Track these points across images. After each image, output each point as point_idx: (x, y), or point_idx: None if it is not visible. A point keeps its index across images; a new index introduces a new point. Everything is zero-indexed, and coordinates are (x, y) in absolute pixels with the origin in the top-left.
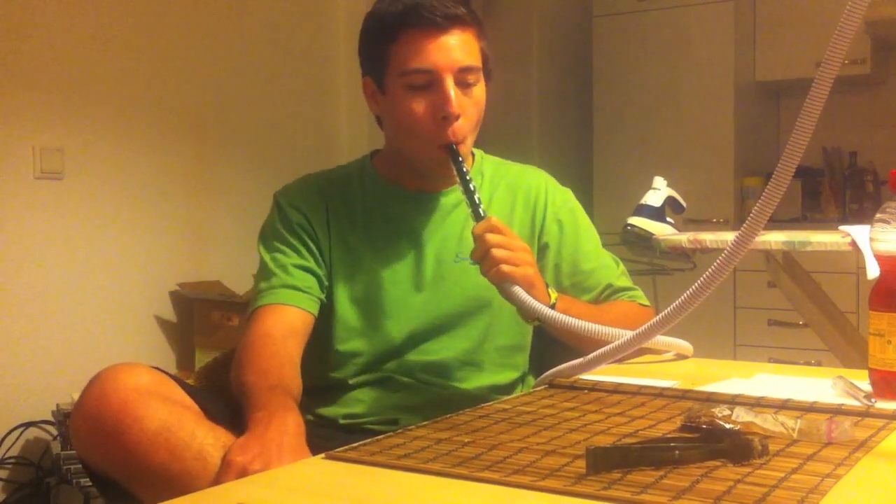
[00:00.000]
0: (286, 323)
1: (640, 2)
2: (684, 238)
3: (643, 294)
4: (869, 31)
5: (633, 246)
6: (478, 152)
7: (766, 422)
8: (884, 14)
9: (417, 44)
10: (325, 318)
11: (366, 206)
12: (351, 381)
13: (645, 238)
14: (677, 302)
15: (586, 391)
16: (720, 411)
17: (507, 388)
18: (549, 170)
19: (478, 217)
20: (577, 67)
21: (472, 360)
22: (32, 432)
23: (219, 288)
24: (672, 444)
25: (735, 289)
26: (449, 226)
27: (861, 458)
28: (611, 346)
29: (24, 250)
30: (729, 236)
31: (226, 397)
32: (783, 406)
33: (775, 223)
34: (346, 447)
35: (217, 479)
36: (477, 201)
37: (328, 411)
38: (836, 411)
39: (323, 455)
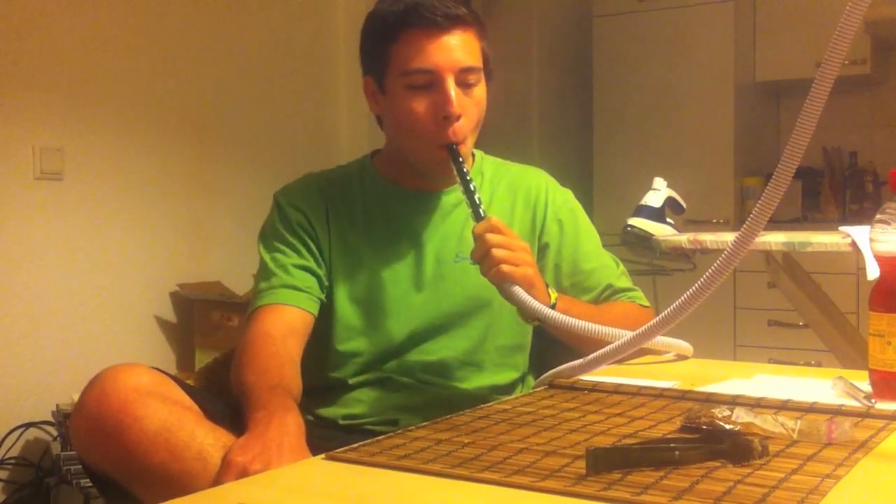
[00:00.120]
0: (286, 323)
1: (640, 2)
2: (684, 239)
3: (643, 295)
4: (869, 31)
5: (633, 246)
6: (478, 152)
7: (766, 422)
8: (884, 14)
9: (418, 44)
10: (325, 317)
11: (366, 206)
12: (351, 381)
13: (645, 239)
14: (677, 302)
15: (586, 392)
16: (720, 412)
17: (507, 388)
18: (549, 170)
19: (478, 217)
20: (577, 67)
21: (472, 360)
22: (32, 433)
23: (219, 288)
24: (672, 445)
25: (735, 289)
26: (449, 225)
27: (861, 458)
28: (611, 346)
29: (24, 250)
30: (729, 237)
31: (226, 397)
32: (783, 407)
33: (775, 223)
34: (346, 447)
35: (217, 479)
36: (477, 201)
37: (328, 412)
38: (836, 412)
39: (323, 455)
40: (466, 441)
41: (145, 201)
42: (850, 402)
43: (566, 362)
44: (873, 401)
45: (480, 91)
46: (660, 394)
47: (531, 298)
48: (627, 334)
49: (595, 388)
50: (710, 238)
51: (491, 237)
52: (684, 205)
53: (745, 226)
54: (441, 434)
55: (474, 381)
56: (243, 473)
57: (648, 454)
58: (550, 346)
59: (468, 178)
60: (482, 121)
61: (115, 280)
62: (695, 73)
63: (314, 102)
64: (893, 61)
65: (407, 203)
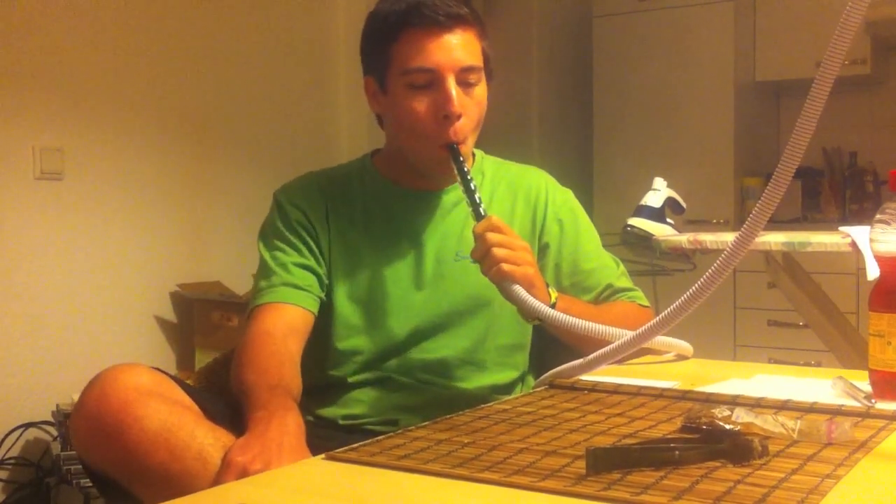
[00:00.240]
0: (286, 321)
1: (641, 2)
2: (684, 239)
3: (643, 295)
4: (869, 31)
5: (633, 246)
6: (478, 152)
7: (766, 422)
8: (884, 14)
9: (419, 43)
10: (325, 316)
11: (366, 205)
12: (350, 380)
13: (645, 239)
14: (677, 302)
15: (586, 392)
16: (720, 412)
17: (507, 388)
18: (549, 170)
19: (478, 216)
20: (577, 67)
21: (472, 359)
22: (32, 432)
23: (219, 288)
24: (672, 445)
25: (735, 289)
26: (449, 224)
27: (861, 458)
28: (611, 346)
29: (24, 250)
30: (729, 237)
31: (226, 397)
32: (783, 407)
33: (775, 223)
34: (346, 447)
35: (217, 479)
36: (478, 200)
37: (328, 412)
38: (836, 412)
39: (323, 455)
40: (466, 441)
41: (145, 201)
42: (850, 402)
43: (566, 362)
44: (873, 401)
45: (481, 91)
46: (660, 394)
47: (531, 297)
48: (627, 334)
49: (595, 388)
50: (710, 238)
51: (491, 236)
52: (684, 205)
53: (745, 226)
54: (441, 434)
55: (474, 381)
56: (243, 473)
57: (648, 454)
58: (550, 346)
59: (469, 177)
60: (483, 120)
61: (115, 280)
62: (695, 73)
63: (314, 102)
64: (893, 61)
65: (407, 202)
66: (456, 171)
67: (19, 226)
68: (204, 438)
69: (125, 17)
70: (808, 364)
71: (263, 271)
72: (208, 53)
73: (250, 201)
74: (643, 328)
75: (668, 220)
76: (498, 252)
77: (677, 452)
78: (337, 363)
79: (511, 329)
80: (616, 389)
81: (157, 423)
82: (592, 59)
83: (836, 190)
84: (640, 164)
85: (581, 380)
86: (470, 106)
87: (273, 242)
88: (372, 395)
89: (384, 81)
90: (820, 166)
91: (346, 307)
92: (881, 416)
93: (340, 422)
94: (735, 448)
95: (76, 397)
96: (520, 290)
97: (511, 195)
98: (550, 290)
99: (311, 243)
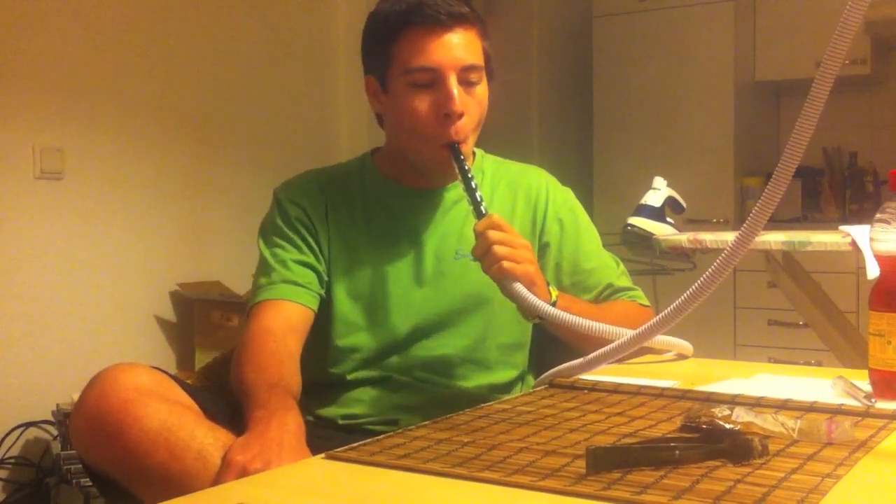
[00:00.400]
0: (286, 319)
1: (641, 2)
2: (684, 238)
3: (643, 294)
4: (869, 31)
5: (633, 246)
6: (478, 151)
7: (766, 422)
8: (884, 14)
9: (421, 42)
10: (325, 313)
11: (366, 202)
12: (349, 377)
13: (645, 238)
14: (677, 302)
15: (586, 391)
16: (720, 411)
17: (507, 387)
18: (549, 170)
19: (479, 214)
20: (577, 67)
21: (472, 358)
22: (32, 432)
23: (219, 288)
24: (672, 444)
25: (735, 289)
26: (449, 222)
27: (861, 458)
28: (611, 346)
29: (24, 250)
30: (729, 236)
31: (226, 397)
32: (783, 406)
33: (775, 223)
34: (346, 447)
35: (217, 479)
36: (478, 199)
37: (327, 412)
38: (836, 411)
39: (323, 455)
40: (466, 440)
41: (145, 201)
42: (850, 402)
43: (566, 361)
44: (873, 400)
45: (482, 90)
46: (660, 393)
47: (532, 295)
48: (628, 333)
49: (595, 387)
50: (710, 238)
51: (492, 234)
52: (684, 204)
53: (745, 225)
54: (441, 433)
55: (474, 380)
56: (243, 473)
57: (648, 454)
58: (550, 345)
59: (470, 175)
60: (483, 120)
61: (115, 280)
62: (695, 73)
63: (314, 102)
64: (893, 61)
65: (407, 200)
66: (457, 170)
67: (19, 226)
68: (204, 438)
69: (125, 17)
70: (808, 364)
71: (263, 268)
72: (208, 53)
73: (250, 201)
74: (643, 327)
75: (668, 219)
76: (499, 250)
77: (677, 452)
78: (336, 361)
79: (511, 328)
80: (616, 389)
81: (157, 422)
82: (592, 59)
83: (836, 190)
84: (640, 163)
85: (581, 379)
86: (471, 105)
87: (273, 240)
88: (371, 394)
89: (385, 81)
90: (820, 166)
91: (345, 304)
92: (881, 415)
93: (340, 422)
94: (735, 447)
95: (76, 397)
96: (520, 288)
97: (511, 194)
98: (551, 288)
99: (311, 241)
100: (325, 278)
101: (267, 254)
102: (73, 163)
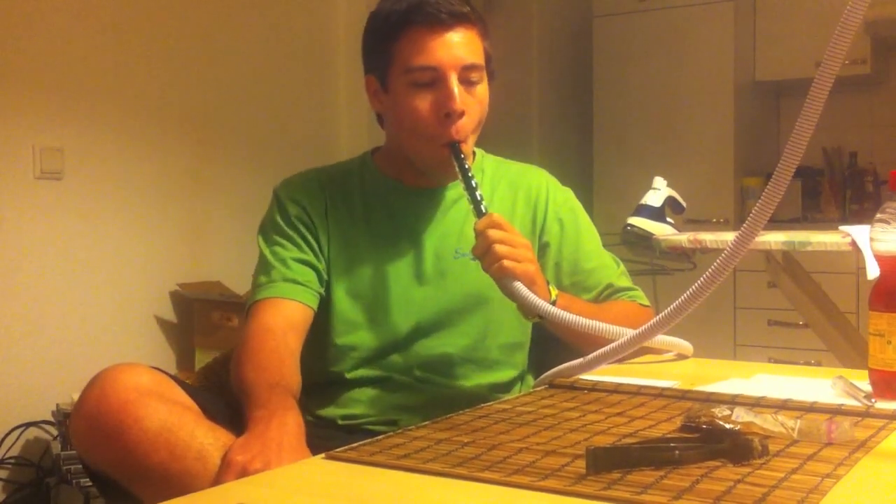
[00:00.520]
0: (286, 317)
1: (641, 2)
2: (684, 238)
3: (643, 294)
4: (869, 31)
5: (633, 246)
6: (479, 151)
7: (766, 422)
8: (884, 14)
9: (422, 41)
10: (324, 312)
11: (365, 201)
12: (349, 376)
13: (645, 238)
14: (678, 302)
15: (586, 391)
16: (720, 411)
17: (506, 387)
18: (549, 170)
19: (479, 213)
20: (577, 67)
21: (471, 357)
22: (32, 432)
23: (219, 288)
24: (672, 445)
25: (735, 289)
26: (449, 221)
27: (861, 458)
28: (611, 346)
29: (24, 250)
30: (729, 236)
31: (226, 397)
32: (783, 406)
33: (775, 223)
34: (345, 447)
35: (217, 479)
36: (479, 198)
37: (327, 412)
38: (836, 411)
39: (323, 455)
40: (466, 440)
41: (145, 201)
42: (850, 402)
43: (566, 361)
44: (873, 400)
45: (483, 89)
46: (660, 393)
47: (532, 294)
48: (628, 332)
49: (595, 387)
50: (710, 238)
51: (493, 233)
52: (684, 204)
53: (745, 225)
54: (441, 433)
55: (474, 379)
56: (243, 472)
57: (648, 454)
58: (550, 346)
59: (470, 174)
60: (484, 120)
61: (115, 280)
62: (695, 73)
63: (314, 102)
64: (893, 61)
65: (407, 199)
66: (457, 169)
67: (19, 226)
68: (204, 438)
69: (125, 17)
70: (808, 364)
71: (263, 267)
72: (208, 53)
73: (250, 201)
74: (643, 327)
75: (668, 219)
76: (499, 249)
77: (677, 452)
78: (336, 359)
79: (511, 327)
80: (616, 389)
81: (157, 422)
82: (592, 59)
83: (836, 190)
84: (640, 163)
85: (581, 379)
86: (472, 104)
87: (272, 238)
88: (371, 394)
89: (386, 80)
90: (820, 166)
91: (345, 303)
92: (881, 415)
93: (340, 422)
94: (735, 447)
95: (76, 397)
96: (520, 286)
97: (511, 194)
98: (551, 287)
99: (311, 239)
100: (325, 277)
101: (267, 252)
102: (73, 163)
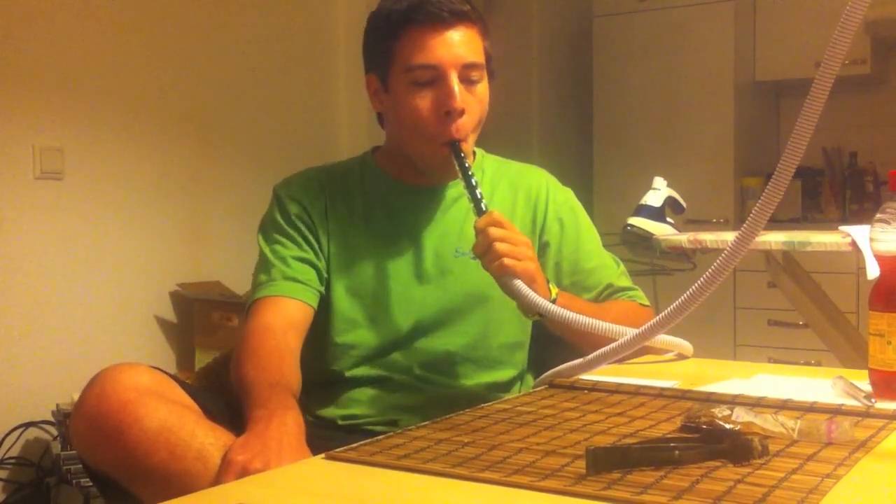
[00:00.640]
0: (286, 315)
1: (641, 2)
2: (684, 238)
3: (643, 294)
4: (869, 31)
5: (634, 246)
6: (479, 151)
7: (766, 422)
8: (884, 14)
9: (422, 39)
10: (323, 310)
11: (366, 200)
12: (348, 374)
13: (645, 238)
14: (678, 302)
15: (586, 391)
16: (720, 411)
17: (506, 386)
18: (549, 170)
19: (480, 212)
20: (577, 67)
21: (471, 356)
22: (32, 432)
23: (219, 288)
24: (672, 445)
25: (735, 289)
26: (449, 220)
27: (861, 458)
28: (611, 346)
29: (24, 250)
30: (729, 236)
31: (226, 397)
32: (783, 406)
33: (775, 223)
34: (345, 447)
35: (217, 478)
36: (479, 196)
37: (327, 412)
38: (836, 411)
39: (323, 455)
40: (466, 441)
41: (145, 201)
42: (850, 402)
43: (566, 361)
44: (873, 400)
45: (483, 88)
46: (660, 393)
47: (532, 292)
48: (628, 331)
49: (595, 387)
50: (710, 238)
51: (493, 231)
52: (684, 204)
53: (745, 225)
54: (441, 434)
55: (474, 378)
56: (243, 472)
57: (648, 454)
58: (550, 345)
59: (470, 172)
60: (484, 119)
61: (115, 280)
62: (695, 73)
63: (314, 102)
64: (893, 61)
65: (407, 198)
66: (457, 167)
67: (19, 226)
68: (204, 438)
69: (125, 17)
70: (808, 364)
71: (263, 265)
72: (208, 53)
73: (250, 201)
74: (644, 327)
75: (668, 219)
76: (500, 247)
77: (677, 452)
78: (335, 358)
79: (511, 327)
80: (616, 389)
81: (157, 422)
82: (592, 59)
83: (836, 190)
84: (640, 164)
85: (581, 379)
86: (472, 103)
87: (272, 236)
88: (371, 394)
89: (386, 79)
90: (820, 166)
91: (344, 301)
92: (881, 415)
93: (340, 422)
94: (735, 448)
95: (76, 397)
96: (520, 284)
97: (512, 194)
98: (551, 286)
99: (310, 237)
100: (325, 275)
101: (267, 250)
102: (73, 163)
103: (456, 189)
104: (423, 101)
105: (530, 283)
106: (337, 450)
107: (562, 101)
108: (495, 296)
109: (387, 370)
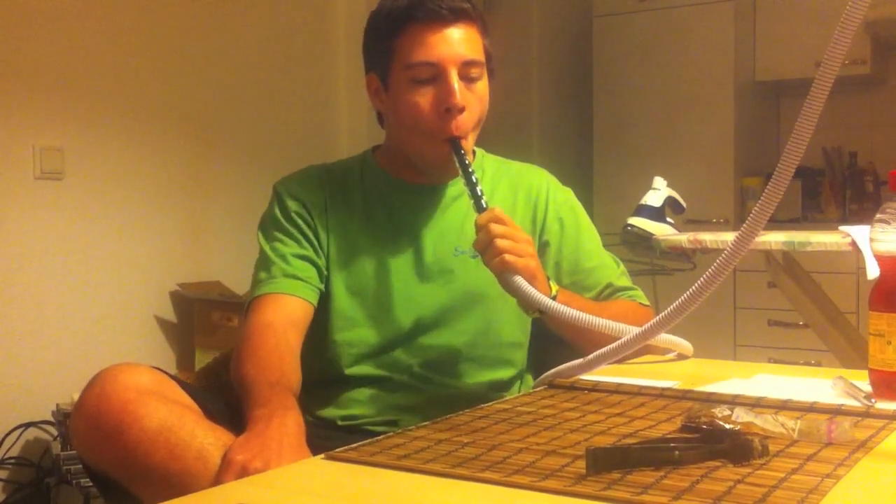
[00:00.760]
0: (286, 313)
1: (641, 2)
2: (684, 238)
3: (643, 294)
4: (869, 31)
5: (633, 246)
6: (479, 150)
7: (766, 422)
8: (884, 14)
9: (422, 37)
10: (323, 308)
11: (366, 198)
12: (348, 372)
13: (645, 238)
14: (678, 302)
15: (586, 391)
16: (720, 411)
17: (506, 385)
18: (549, 170)
19: (480, 208)
20: (577, 67)
21: (471, 355)
22: (32, 432)
23: (219, 288)
24: (672, 445)
25: (735, 289)
26: (448, 219)
27: (861, 458)
28: (611, 346)
29: (24, 250)
30: (729, 236)
31: (226, 397)
32: (783, 406)
33: (775, 223)
34: (345, 447)
35: (217, 478)
36: (479, 193)
37: (327, 412)
38: (836, 412)
39: (323, 455)
40: (466, 441)
41: (145, 201)
42: (850, 402)
43: (566, 361)
44: (873, 401)
45: (483, 86)
46: (660, 393)
47: (532, 289)
48: (628, 329)
49: (595, 387)
50: (710, 238)
51: (494, 227)
52: (684, 204)
53: (745, 225)
54: (441, 434)
55: (473, 377)
56: (243, 472)
57: (648, 454)
58: (550, 346)
59: (470, 169)
60: (484, 118)
61: (115, 280)
62: (695, 73)
63: (314, 102)
64: (893, 61)
65: (407, 196)
66: (458, 164)
67: (19, 226)
68: (204, 438)
69: (125, 18)
70: (808, 364)
71: (263, 263)
72: (208, 53)
73: (250, 201)
74: (644, 326)
75: (669, 219)
76: (500, 243)
77: (677, 452)
78: (335, 356)
79: (511, 326)
80: (616, 389)
81: (157, 422)
82: (592, 59)
83: (836, 190)
84: (640, 164)
85: (581, 379)
86: (472, 101)
87: (272, 234)
88: (371, 394)
89: (387, 78)
90: (820, 166)
91: (344, 299)
92: (881, 415)
93: (339, 422)
94: (735, 448)
95: (76, 397)
96: (521, 281)
97: (512, 193)
98: (551, 283)
99: (310, 235)
100: (325, 273)
101: (266, 248)
102: (73, 163)
103: (456, 188)
104: (424, 99)
105: (531, 279)
106: (337, 450)
107: (562, 101)
108: (495, 295)
109: (386, 369)
